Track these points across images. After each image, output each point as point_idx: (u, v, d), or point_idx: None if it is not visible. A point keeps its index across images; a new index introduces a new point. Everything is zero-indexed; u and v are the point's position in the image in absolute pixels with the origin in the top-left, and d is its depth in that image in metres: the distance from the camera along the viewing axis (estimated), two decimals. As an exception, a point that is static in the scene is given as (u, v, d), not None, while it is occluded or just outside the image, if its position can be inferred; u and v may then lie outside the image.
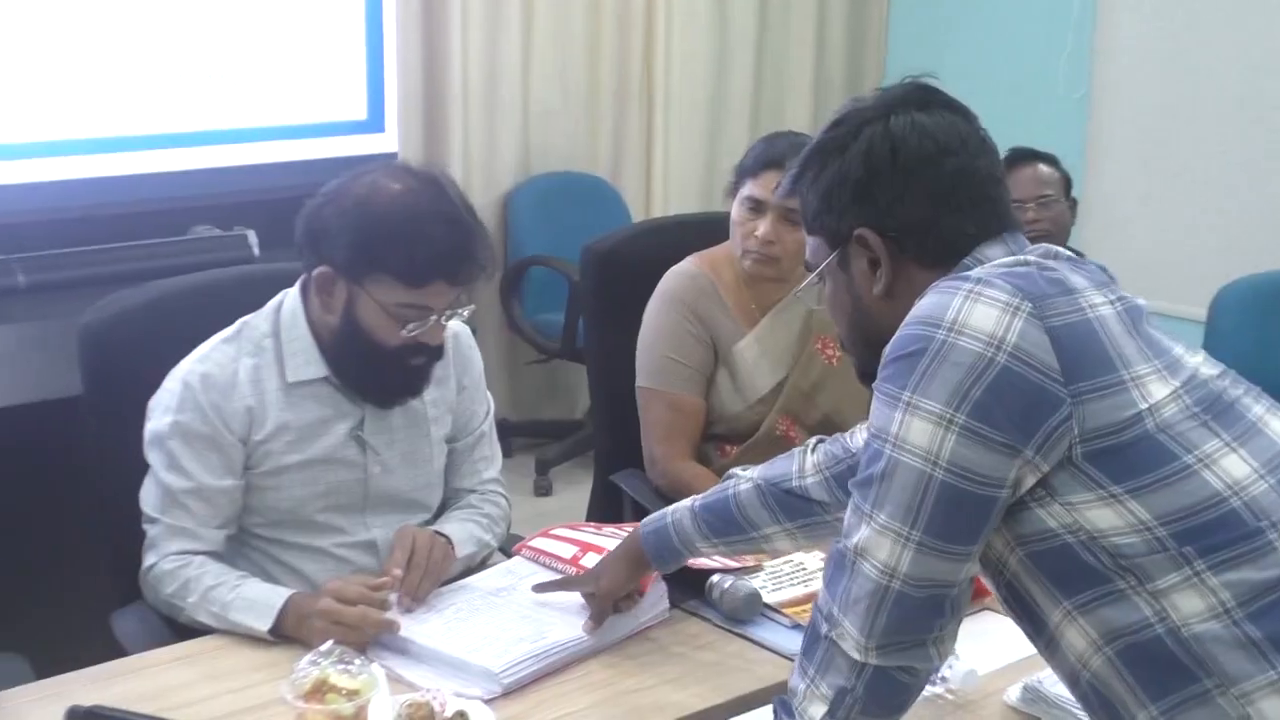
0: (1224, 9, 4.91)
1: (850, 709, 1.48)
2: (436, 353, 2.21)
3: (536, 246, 4.99)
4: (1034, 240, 1.63)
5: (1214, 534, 1.41)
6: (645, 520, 2.05)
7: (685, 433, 2.83)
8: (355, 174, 2.18)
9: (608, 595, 2.03)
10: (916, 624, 1.46)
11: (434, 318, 2.13)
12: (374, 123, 4.49)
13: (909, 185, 1.57)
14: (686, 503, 2.02)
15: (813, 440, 2.03)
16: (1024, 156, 3.52)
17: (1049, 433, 1.42)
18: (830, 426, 2.86)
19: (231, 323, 2.25)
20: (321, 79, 4.36)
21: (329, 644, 1.74)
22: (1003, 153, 3.63)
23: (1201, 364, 1.52)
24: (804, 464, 1.98)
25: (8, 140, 3.79)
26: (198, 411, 2.16)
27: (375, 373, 2.20)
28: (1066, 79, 5.32)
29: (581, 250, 3.06)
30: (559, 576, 2.17)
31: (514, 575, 2.22)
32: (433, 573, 2.14)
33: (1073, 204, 3.60)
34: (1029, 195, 3.46)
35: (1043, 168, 3.54)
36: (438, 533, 2.23)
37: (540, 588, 2.13)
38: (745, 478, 2.00)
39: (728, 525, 1.98)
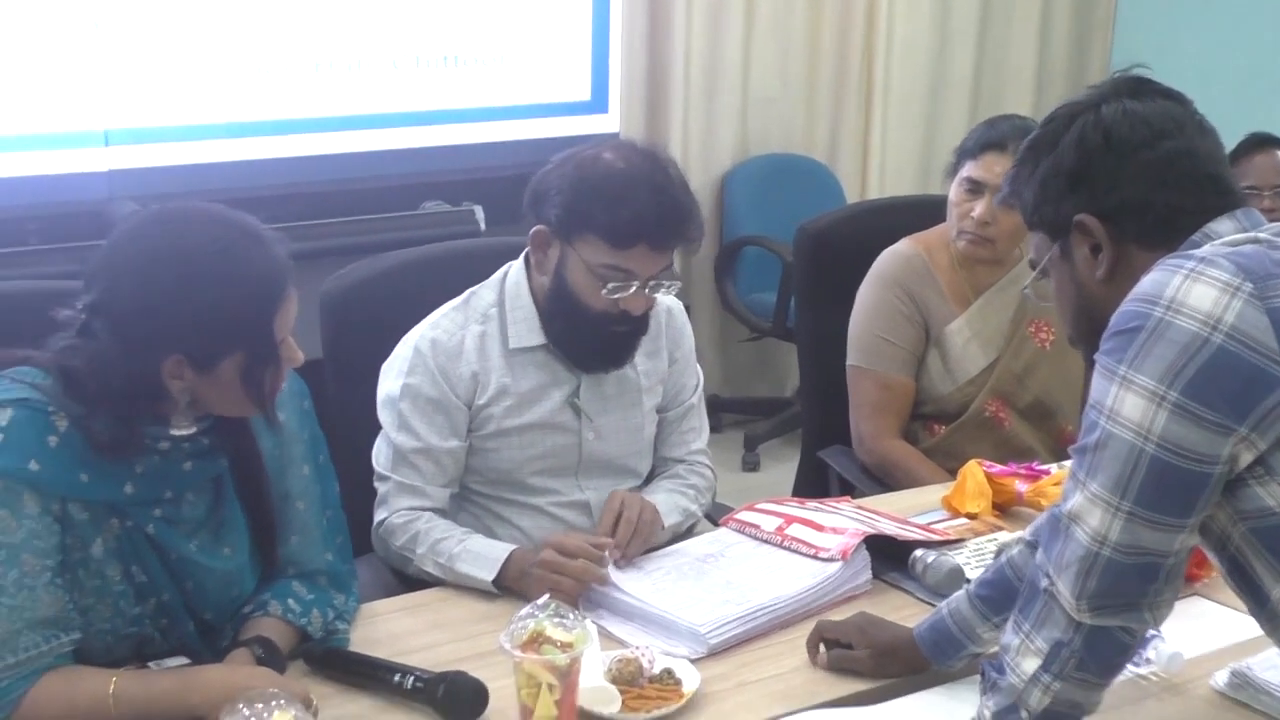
0: None
1: (1066, 662, 1.49)
2: (639, 324, 2.25)
3: (751, 227, 5.00)
4: None
5: None
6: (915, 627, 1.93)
7: (894, 411, 2.83)
8: (583, 146, 2.24)
9: (858, 664, 1.90)
10: (1127, 589, 1.47)
11: (635, 285, 2.17)
12: (598, 104, 4.58)
13: (1123, 168, 1.56)
14: (960, 593, 1.90)
15: None
16: (1263, 142, 3.35)
17: (1266, 412, 1.40)
18: (1041, 409, 2.84)
19: (458, 293, 2.33)
20: (548, 61, 4.47)
21: (545, 598, 1.79)
22: (1238, 141, 3.48)
23: None
24: None
25: (256, 118, 3.98)
26: (427, 375, 2.24)
27: (581, 336, 2.24)
28: (1300, 67, 5.11)
29: (796, 230, 3.08)
30: (768, 547, 2.21)
31: (721, 543, 2.26)
32: (642, 532, 2.20)
33: None
34: (1266, 183, 3.29)
35: (1279, 155, 3.39)
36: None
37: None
38: (1014, 540, 1.89)
39: (1007, 594, 1.78)
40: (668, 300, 2.32)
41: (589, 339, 2.25)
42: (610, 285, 2.16)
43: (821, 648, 1.94)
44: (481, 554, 2.15)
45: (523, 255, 2.31)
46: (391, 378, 2.28)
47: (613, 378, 2.33)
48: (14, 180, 3.65)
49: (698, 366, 2.49)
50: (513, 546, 2.16)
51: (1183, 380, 1.41)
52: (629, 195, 2.13)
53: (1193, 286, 1.43)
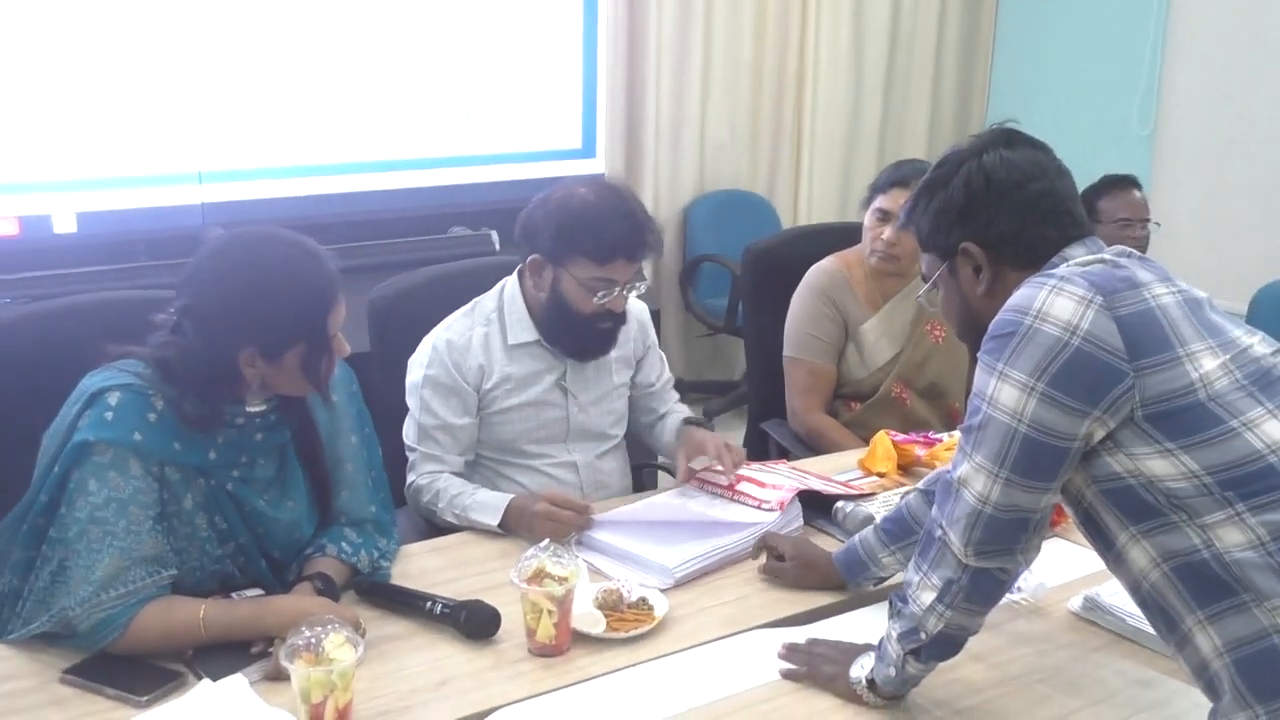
0: (1274, 63, 4.66)
1: (956, 596, 1.48)
2: (620, 318, 2.24)
3: (708, 247, 4.97)
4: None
5: (1253, 483, 1.36)
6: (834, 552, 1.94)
7: (820, 392, 2.81)
8: (554, 186, 2.21)
9: (784, 574, 1.93)
10: (1004, 539, 1.45)
11: (618, 289, 2.16)
12: (587, 150, 4.59)
13: (1001, 205, 1.53)
14: (869, 528, 1.90)
15: None
16: (1132, 182, 3.22)
17: (1114, 399, 1.38)
18: (935, 391, 2.82)
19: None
20: (549, 117, 4.47)
21: (545, 541, 1.77)
22: (1097, 177, 3.35)
23: (1258, 343, 1.46)
24: None
25: (319, 162, 3.97)
26: (443, 367, 2.22)
27: (575, 336, 2.22)
28: (1137, 118, 5.11)
29: (744, 250, 3.05)
30: (722, 499, 2.18)
31: (685, 496, 2.24)
32: (735, 457, 2.24)
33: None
34: (1138, 215, 3.16)
35: (1138, 193, 3.23)
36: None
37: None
38: (914, 490, 1.89)
39: (904, 529, 1.83)
40: (635, 305, 2.31)
41: (582, 336, 2.22)
42: (599, 294, 2.14)
43: (763, 556, 1.95)
44: (487, 504, 2.12)
45: (516, 271, 2.28)
46: (415, 370, 2.25)
47: (591, 364, 2.30)
48: (129, 211, 3.69)
49: (662, 353, 2.48)
50: (511, 496, 2.13)
51: (1048, 375, 1.39)
52: (605, 223, 2.11)
53: (1055, 299, 1.41)
